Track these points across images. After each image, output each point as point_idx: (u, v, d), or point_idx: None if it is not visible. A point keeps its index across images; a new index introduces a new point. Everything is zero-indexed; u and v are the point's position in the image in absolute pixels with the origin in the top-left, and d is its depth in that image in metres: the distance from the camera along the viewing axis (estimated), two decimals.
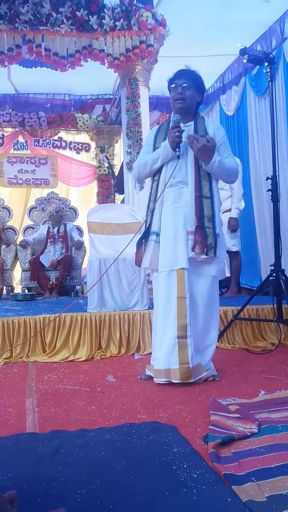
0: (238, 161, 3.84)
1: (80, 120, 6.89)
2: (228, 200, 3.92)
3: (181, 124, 2.27)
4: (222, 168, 2.24)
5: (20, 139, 6.98)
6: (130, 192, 4.51)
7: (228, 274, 4.85)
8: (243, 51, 3.00)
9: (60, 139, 7.16)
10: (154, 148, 2.35)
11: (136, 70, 4.55)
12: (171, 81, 2.34)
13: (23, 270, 5.17)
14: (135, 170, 2.46)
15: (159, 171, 2.33)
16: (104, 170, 6.91)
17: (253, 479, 1.18)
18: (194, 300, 2.24)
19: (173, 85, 2.31)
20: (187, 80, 2.29)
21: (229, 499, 1.10)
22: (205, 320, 2.26)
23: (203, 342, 2.26)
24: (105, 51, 4.34)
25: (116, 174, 5.98)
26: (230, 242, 3.88)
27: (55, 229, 5.20)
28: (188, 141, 2.20)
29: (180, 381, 2.14)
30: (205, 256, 2.22)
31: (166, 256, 2.24)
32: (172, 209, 2.26)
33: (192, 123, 2.33)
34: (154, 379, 2.24)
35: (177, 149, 2.20)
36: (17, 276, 5.62)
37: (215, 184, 2.29)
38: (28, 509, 1.09)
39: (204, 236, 2.20)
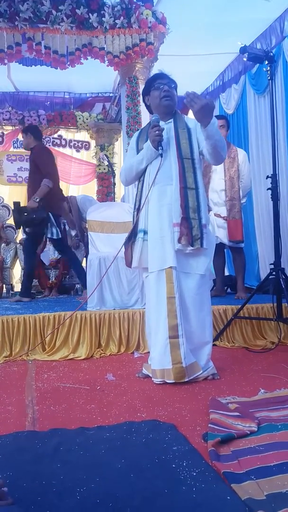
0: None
1: (80, 118, 6.88)
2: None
3: (162, 123, 2.31)
4: (218, 133, 2.20)
5: (20, 137, 6.97)
6: (129, 191, 4.51)
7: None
8: (243, 50, 3.00)
9: (60, 137, 7.16)
10: (138, 151, 2.38)
11: (136, 68, 4.54)
12: (152, 82, 2.36)
13: (23, 269, 5.17)
14: (122, 175, 2.49)
15: (143, 171, 2.36)
16: (104, 169, 6.91)
17: (252, 477, 1.18)
18: (184, 300, 2.23)
19: (156, 84, 2.33)
20: (170, 81, 2.34)
21: (229, 497, 1.10)
22: (197, 319, 2.25)
23: (198, 341, 2.26)
24: (105, 49, 4.34)
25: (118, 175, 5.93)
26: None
27: None
28: (187, 99, 2.09)
29: (174, 381, 2.14)
30: (191, 248, 2.21)
31: (155, 256, 2.25)
32: (158, 207, 2.27)
33: (172, 120, 2.35)
34: (152, 379, 2.25)
35: (159, 148, 2.23)
36: (17, 275, 5.62)
37: (199, 176, 2.29)
38: (28, 507, 1.09)
39: (189, 227, 2.20)
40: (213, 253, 2.33)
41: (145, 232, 2.30)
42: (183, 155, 2.25)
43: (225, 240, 3.84)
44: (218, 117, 4.09)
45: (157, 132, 2.22)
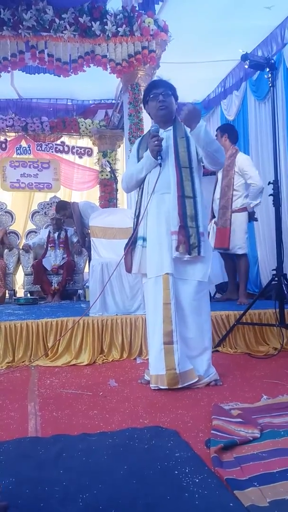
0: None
1: (82, 125, 6.93)
2: (239, 199, 3.86)
3: (161, 131, 2.35)
4: (209, 136, 2.21)
5: (23, 143, 7.02)
6: (132, 196, 4.53)
7: (223, 279, 4.83)
8: (244, 57, 3.02)
9: (63, 143, 7.20)
10: (138, 159, 2.41)
11: (138, 76, 4.58)
12: (148, 92, 2.39)
13: (26, 274, 5.19)
14: (123, 183, 2.53)
15: (143, 179, 2.38)
16: (107, 175, 6.94)
17: (255, 484, 1.18)
18: (181, 306, 2.24)
19: (152, 95, 2.35)
20: (166, 89, 2.35)
21: (231, 504, 1.10)
22: (195, 325, 2.26)
23: (197, 347, 2.26)
24: (108, 56, 4.38)
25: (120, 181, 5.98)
26: (236, 244, 3.87)
27: (56, 234, 5.21)
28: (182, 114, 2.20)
29: (167, 387, 2.15)
30: (189, 256, 2.22)
31: (153, 262, 2.27)
32: (156, 215, 2.29)
33: (171, 128, 2.37)
34: (149, 384, 2.25)
35: (158, 157, 2.26)
36: (20, 280, 5.63)
37: (197, 184, 2.31)
38: None
39: (187, 235, 2.22)
40: (211, 260, 2.34)
41: (144, 239, 2.33)
42: (181, 164, 2.28)
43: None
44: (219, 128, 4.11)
45: (156, 142, 2.25)
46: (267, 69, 3.06)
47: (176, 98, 2.42)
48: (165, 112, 2.34)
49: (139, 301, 3.29)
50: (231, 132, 3.99)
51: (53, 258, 5.03)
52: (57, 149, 7.16)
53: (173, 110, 2.39)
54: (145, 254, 2.32)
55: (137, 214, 2.41)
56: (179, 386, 2.15)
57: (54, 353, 2.92)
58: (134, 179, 2.41)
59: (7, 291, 5.02)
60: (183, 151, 2.29)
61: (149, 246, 2.31)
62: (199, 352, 2.26)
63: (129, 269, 2.40)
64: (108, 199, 6.87)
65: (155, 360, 2.21)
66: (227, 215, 3.84)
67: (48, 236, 5.22)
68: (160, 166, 2.27)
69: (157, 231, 2.28)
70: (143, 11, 4.38)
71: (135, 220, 2.42)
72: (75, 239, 5.29)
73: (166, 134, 2.35)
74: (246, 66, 3.12)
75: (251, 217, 3.97)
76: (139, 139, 2.53)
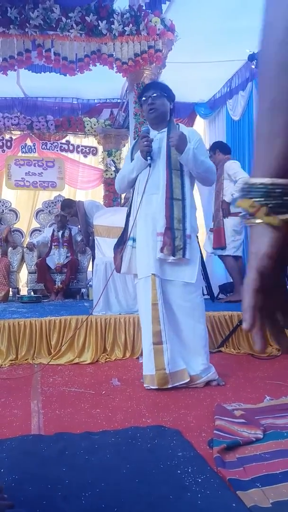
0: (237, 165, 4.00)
1: (87, 124, 6.93)
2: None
3: (155, 132, 2.37)
4: (197, 159, 2.23)
5: (28, 142, 7.03)
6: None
7: (226, 280, 4.87)
8: (251, 57, 3.03)
9: (68, 142, 7.20)
10: (132, 161, 2.41)
11: (144, 75, 4.57)
12: (140, 97, 2.41)
13: (29, 273, 5.20)
14: (116, 184, 2.56)
15: (135, 180, 2.40)
16: (111, 174, 6.94)
17: (258, 484, 1.18)
18: (171, 307, 2.25)
19: (144, 98, 2.37)
20: (155, 90, 2.36)
21: (234, 504, 1.10)
22: (188, 326, 2.25)
23: (190, 349, 2.25)
24: (114, 55, 4.37)
25: None
26: (228, 245, 4.00)
27: (60, 233, 5.22)
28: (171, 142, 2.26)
29: (157, 387, 2.15)
30: (173, 258, 2.22)
31: (142, 263, 2.29)
32: (144, 216, 2.31)
33: (165, 130, 2.37)
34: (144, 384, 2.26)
35: (147, 158, 2.27)
36: (23, 278, 5.65)
37: (188, 187, 2.31)
38: (34, 511, 1.09)
39: (172, 237, 2.22)
40: (198, 262, 2.30)
41: (134, 240, 2.36)
42: (172, 167, 2.28)
43: (208, 249, 4.08)
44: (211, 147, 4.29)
45: (145, 143, 2.26)
46: None
47: (171, 98, 2.40)
48: (154, 115, 2.35)
49: None
50: (221, 146, 4.26)
51: (57, 257, 5.03)
52: (62, 148, 7.16)
53: (165, 111, 2.38)
54: (135, 255, 2.34)
55: (128, 214, 2.43)
56: (169, 386, 2.16)
57: (57, 351, 2.93)
58: (126, 179, 2.43)
59: (10, 289, 5.03)
60: (175, 154, 2.27)
61: (138, 247, 2.33)
62: (194, 352, 2.26)
63: (118, 269, 2.41)
64: (112, 198, 6.88)
65: (146, 360, 2.23)
66: (219, 216, 4.05)
67: (52, 234, 5.22)
68: (150, 167, 2.28)
69: (145, 232, 2.30)
70: (150, 11, 4.37)
71: (126, 220, 2.44)
72: (79, 238, 5.30)
73: (160, 136, 2.35)
74: (253, 66, 3.13)
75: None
76: (134, 141, 2.54)
